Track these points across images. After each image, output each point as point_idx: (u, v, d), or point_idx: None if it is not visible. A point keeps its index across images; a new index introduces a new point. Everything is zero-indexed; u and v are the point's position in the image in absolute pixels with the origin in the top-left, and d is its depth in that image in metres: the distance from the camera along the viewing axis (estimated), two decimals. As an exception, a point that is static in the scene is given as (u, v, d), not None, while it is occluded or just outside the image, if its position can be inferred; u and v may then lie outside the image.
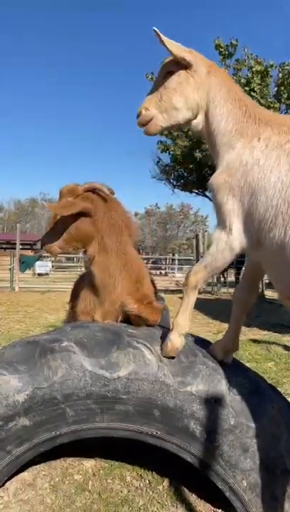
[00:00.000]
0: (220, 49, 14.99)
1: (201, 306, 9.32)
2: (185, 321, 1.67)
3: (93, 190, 2.04)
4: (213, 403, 1.58)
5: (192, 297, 1.66)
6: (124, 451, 2.17)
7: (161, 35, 1.58)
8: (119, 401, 1.58)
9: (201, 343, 1.85)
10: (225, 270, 17.39)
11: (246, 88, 14.29)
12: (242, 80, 14.69)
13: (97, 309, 1.98)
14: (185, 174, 17.97)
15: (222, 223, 1.57)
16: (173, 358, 1.66)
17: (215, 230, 1.62)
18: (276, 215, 1.39)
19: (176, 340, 1.65)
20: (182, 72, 1.63)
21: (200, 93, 1.64)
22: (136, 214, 51.72)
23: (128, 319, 1.95)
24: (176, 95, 1.63)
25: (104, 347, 1.64)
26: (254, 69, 14.64)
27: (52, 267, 24.03)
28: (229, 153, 1.58)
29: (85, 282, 2.10)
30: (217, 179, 1.59)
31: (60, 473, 2.09)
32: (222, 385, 1.61)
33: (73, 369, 1.58)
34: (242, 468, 1.54)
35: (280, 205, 1.38)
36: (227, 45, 14.99)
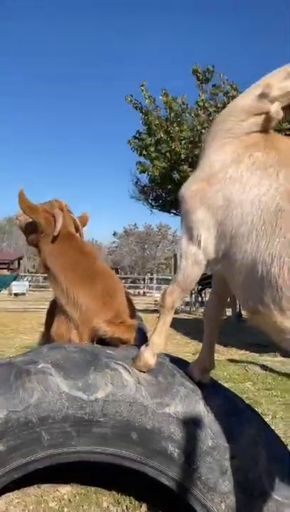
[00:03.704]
0: (198, 74, 15.43)
1: (179, 326, 9.30)
2: (161, 341, 1.67)
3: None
4: (191, 424, 1.57)
5: (168, 317, 1.67)
6: (100, 475, 2.12)
7: None
8: (96, 424, 1.55)
9: (179, 363, 1.85)
10: (203, 289, 17.49)
11: (223, 112, 14.58)
12: (219, 105, 15.10)
13: (72, 330, 1.97)
14: (164, 195, 18.19)
15: (189, 234, 1.58)
16: (143, 372, 1.65)
17: (182, 241, 1.61)
18: (250, 231, 1.41)
19: (149, 358, 1.65)
20: None
21: None
22: (114, 233, 51.82)
23: (104, 339, 1.94)
24: None
25: (81, 368, 1.61)
26: (229, 94, 15.08)
27: (30, 286, 23.72)
28: (212, 159, 1.58)
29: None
30: (190, 187, 1.59)
31: (34, 500, 2.03)
32: (200, 406, 1.61)
33: (49, 391, 1.55)
34: (220, 490, 1.52)
35: (255, 221, 1.41)
36: (204, 71, 15.44)
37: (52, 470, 1.74)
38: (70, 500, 2.05)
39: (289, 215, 1.36)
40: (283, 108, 1.59)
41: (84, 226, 2.40)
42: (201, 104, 15.21)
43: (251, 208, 1.44)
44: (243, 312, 11.77)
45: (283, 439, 2.61)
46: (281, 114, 1.57)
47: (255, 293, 1.41)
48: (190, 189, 1.60)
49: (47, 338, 2.14)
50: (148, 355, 1.65)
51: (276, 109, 1.55)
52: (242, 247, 1.43)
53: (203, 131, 14.74)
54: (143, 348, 1.68)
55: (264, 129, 1.60)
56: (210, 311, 1.78)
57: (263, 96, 1.54)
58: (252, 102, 1.57)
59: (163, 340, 1.67)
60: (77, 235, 2.30)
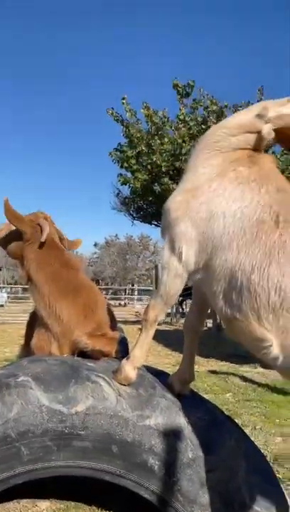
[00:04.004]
0: (178, 88, 15.69)
1: (160, 337, 9.30)
2: (142, 354, 1.67)
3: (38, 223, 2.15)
4: (172, 436, 1.57)
5: (151, 331, 1.67)
6: (80, 490, 2.10)
7: None
8: (77, 437, 1.54)
9: (160, 375, 1.86)
10: (183, 301, 17.55)
11: (203, 126, 14.92)
12: (199, 118, 15.36)
13: (52, 342, 1.96)
14: (145, 206, 18.30)
15: (171, 246, 1.59)
16: (124, 385, 1.65)
17: (163, 253, 1.63)
18: (231, 241, 1.46)
19: (130, 371, 1.65)
20: None
21: None
22: (95, 244, 51.68)
23: (85, 352, 1.93)
24: None
25: (61, 381, 1.60)
26: (209, 108, 15.38)
27: (8, 298, 23.39)
28: (200, 174, 1.61)
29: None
30: (175, 199, 1.63)
31: (12, 517, 1.99)
32: (180, 418, 1.61)
33: (29, 405, 1.53)
34: (200, 502, 1.53)
35: (237, 232, 1.46)
36: (184, 85, 15.72)
37: (32, 485, 1.71)
38: (49, 516, 2.02)
39: (269, 226, 1.41)
40: (279, 135, 1.64)
41: (74, 249, 2.43)
42: (181, 117, 15.44)
43: (233, 219, 1.48)
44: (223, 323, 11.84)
45: (263, 450, 2.63)
46: (272, 134, 1.62)
47: (234, 301, 1.44)
48: (175, 201, 1.63)
49: (27, 350, 2.12)
50: (129, 369, 1.65)
51: (268, 130, 1.60)
52: (223, 257, 1.47)
53: (184, 144, 14.94)
54: (124, 361, 1.68)
55: (254, 149, 1.65)
56: (190, 323, 1.80)
57: (259, 116, 1.60)
58: (248, 118, 1.64)
59: (144, 353, 1.68)
60: (62, 246, 2.30)
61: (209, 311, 1.91)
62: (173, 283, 1.60)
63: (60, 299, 1.96)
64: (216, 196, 1.55)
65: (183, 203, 1.59)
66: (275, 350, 1.35)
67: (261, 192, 1.51)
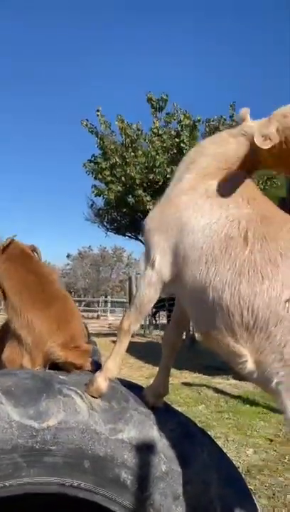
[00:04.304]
0: (152, 102, 15.92)
1: (133, 349, 9.26)
2: (115, 366, 1.66)
3: None
4: (145, 450, 1.56)
5: (124, 342, 1.67)
6: (51, 507, 2.05)
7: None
8: (48, 453, 1.51)
9: (133, 388, 1.84)
10: (157, 312, 17.57)
11: (177, 140, 15.17)
12: (173, 132, 15.60)
13: (24, 355, 1.92)
14: (119, 218, 18.36)
15: (146, 256, 1.63)
16: (94, 397, 1.63)
17: (140, 264, 1.67)
18: (201, 257, 1.47)
19: (102, 383, 1.63)
20: None
21: None
22: (68, 255, 51.28)
23: (57, 364, 1.90)
24: None
25: (33, 395, 1.57)
26: (183, 122, 15.65)
27: (-21, 310, 22.83)
28: (176, 186, 1.67)
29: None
30: (152, 212, 1.68)
31: (-21, 537, 1.92)
32: (153, 431, 1.60)
33: (-1, 420, 1.49)
34: (173, 517, 1.51)
35: (205, 247, 1.47)
36: (158, 99, 15.95)
37: (1, 503, 1.66)
38: (18, 535, 1.96)
39: (238, 243, 1.41)
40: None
41: None
42: (155, 131, 15.65)
43: (202, 234, 1.49)
44: (197, 335, 11.90)
45: (235, 462, 2.64)
46: (268, 142, 1.61)
47: (207, 317, 1.45)
48: (151, 213, 1.68)
49: (-1, 363, 2.07)
50: (101, 380, 1.63)
51: (259, 139, 1.62)
52: (194, 272, 1.48)
53: (157, 157, 15.12)
54: (97, 372, 1.67)
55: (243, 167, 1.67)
56: (169, 337, 1.80)
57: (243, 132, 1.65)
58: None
59: (117, 365, 1.67)
60: (34, 255, 2.28)
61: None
62: (147, 291, 1.62)
63: (31, 309, 1.93)
64: (186, 210, 1.57)
65: (157, 215, 1.64)
66: (250, 365, 1.35)
67: (230, 206, 1.52)
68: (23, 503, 1.96)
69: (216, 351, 1.49)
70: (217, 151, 1.68)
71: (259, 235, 1.41)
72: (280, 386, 1.28)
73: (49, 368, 1.90)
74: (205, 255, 1.45)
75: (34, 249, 2.32)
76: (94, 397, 1.63)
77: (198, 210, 1.55)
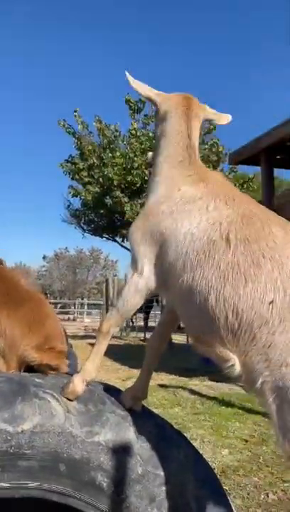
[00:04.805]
0: (130, 104, 15.92)
1: (110, 351, 9.22)
2: (93, 368, 1.65)
3: None
4: (121, 452, 1.55)
5: (103, 344, 1.67)
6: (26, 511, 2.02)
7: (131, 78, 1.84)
8: (22, 457, 1.49)
9: (110, 390, 1.83)
10: (134, 314, 17.55)
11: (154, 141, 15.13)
12: (150, 134, 15.64)
13: (-2, 359, 1.89)
14: (96, 219, 18.27)
15: (134, 264, 1.64)
16: (70, 400, 1.61)
17: (128, 271, 1.68)
18: (185, 262, 1.47)
19: (79, 385, 1.61)
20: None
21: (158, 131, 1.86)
22: (44, 257, 50.73)
23: (32, 367, 1.88)
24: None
25: (7, 399, 1.55)
26: (161, 125, 15.66)
27: None
28: (151, 197, 1.70)
29: None
30: (135, 223, 1.69)
31: None
32: (130, 433, 1.60)
33: (-28, 424, 1.46)
34: (149, 519, 1.51)
35: (189, 253, 1.47)
36: (136, 101, 15.97)
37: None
38: None
39: (221, 246, 1.42)
40: None
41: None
42: (133, 132, 15.66)
43: (184, 240, 1.50)
44: (173, 337, 11.95)
45: (211, 463, 2.66)
46: None
47: (196, 322, 1.46)
48: (134, 224, 1.70)
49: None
50: (78, 382, 1.62)
51: None
52: (179, 278, 1.48)
53: (135, 158, 15.12)
54: (75, 374, 1.66)
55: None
56: (154, 342, 1.80)
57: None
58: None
59: (95, 367, 1.66)
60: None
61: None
62: (132, 298, 1.62)
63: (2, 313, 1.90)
64: (165, 218, 1.59)
65: (140, 225, 1.66)
66: (237, 368, 1.36)
67: (209, 209, 1.53)
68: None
69: (208, 356, 1.49)
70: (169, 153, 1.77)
71: (241, 237, 1.41)
72: (264, 385, 1.30)
73: (24, 371, 1.87)
74: (189, 261, 1.45)
75: (0, 262, 2.30)
76: (70, 399, 1.61)
77: (177, 217, 1.55)
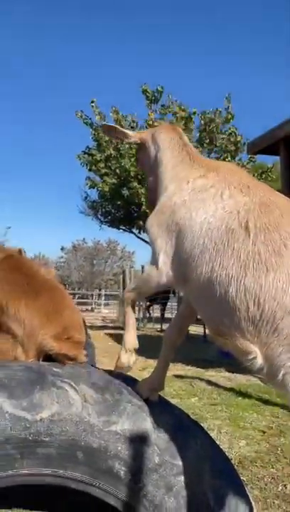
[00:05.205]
0: (147, 94, 15.79)
1: (127, 342, 9.28)
2: (130, 337, 1.73)
3: None
4: (138, 442, 1.56)
5: (129, 313, 1.76)
6: (44, 498, 2.06)
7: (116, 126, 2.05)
8: (41, 444, 1.51)
9: (127, 380, 1.84)
10: (150, 306, 17.59)
11: (172, 132, 15.00)
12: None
13: (17, 347, 1.91)
14: (113, 211, 18.27)
15: (152, 258, 1.66)
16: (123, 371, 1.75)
17: (148, 263, 1.72)
18: (203, 252, 1.45)
19: (123, 356, 1.71)
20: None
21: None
22: (62, 248, 51.12)
23: (50, 356, 1.90)
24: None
25: (26, 387, 1.57)
26: (178, 115, 15.55)
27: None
28: (163, 196, 1.72)
29: None
30: (150, 218, 1.72)
31: (-28, 528, 1.93)
32: (147, 423, 1.61)
33: (-8, 412, 1.49)
34: (166, 507, 1.52)
35: (206, 243, 1.45)
36: (153, 91, 15.83)
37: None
38: (11, 526, 1.97)
39: (240, 234, 1.38)
40: None
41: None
42: (150, 123, 15.55)
43: (200, 230, 1.48)
44: (189, 328, 11.96)
45: (228, 454, 2.66)
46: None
47: (215, 315, 1.43)
48: (149, 220, 1.73)
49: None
50: (122, 354, 1.71)
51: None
52: (198, 269, 1.45)
53: (152, 149, 15.02)
54: (121, 349, 1.76)
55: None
56: (171, 334, 1.80)
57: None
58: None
59: (132, 335, 1.74)
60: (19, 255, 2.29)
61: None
62: (147, 285, 1.69)
63: (17, 301, 1.93)
64: (179, 210, 1.58)
65: (155, 220, 1.68)
66: (259, 361, 1.33)
67: (224, 197, 1.50)
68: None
69: (228, 349, 1.46)
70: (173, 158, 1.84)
71: (261, 225, 1.37)
72: (287, 377, 1.27)
73: (43, 360, 1.89)
74: (207, 251, 1.43)
75: (20, 252, 2.32)
76: (121, 371, 1.75)
77: (190, 208, 1.54)
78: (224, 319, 1.38)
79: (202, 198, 1.53)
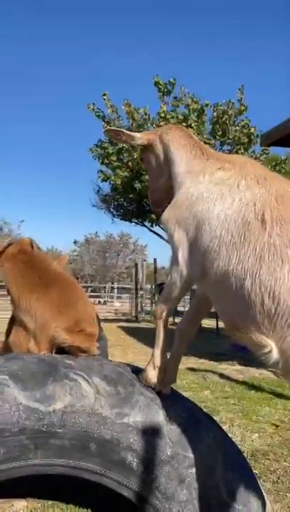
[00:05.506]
0: (159, 86, 15.67)
1: (140, 334, 9.30)
2: (159, 353, 1.71)
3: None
4: (150, 434, 1.57)
5: (160, 327, 1.73)
6: (57, 488, 2.08)
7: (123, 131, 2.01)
8: (54, 435, 1.53)
9: (139, 372, 1.85)
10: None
11: (184, 124, 14.98)
12: (180, 117, 15.40)
13: (30, 339, 1.93)
14: (125, 204, 18.25)
15: (172, 254, 1.65)
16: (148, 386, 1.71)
17: (170, 261, 1.71)
18: (220, 246, 1.43)
19: (149, 371, 1.71)
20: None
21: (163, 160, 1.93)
22: (75, 242, 51.36)
23: (63, 349, 1.91)
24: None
25: (39, 379, 1.58)
26: (190, 107, 15.42)
27: (-14, 295, 23.04)
28: (179, 191, 1.71)
29: None
30: (165, 213, 1.70)
31: (-12, 517, 1.96)
32: (159, 416, 1.61)
33: (6, 403, 1.51)
34: (178, 499, 1.53)
35: (223, 235, 1.43)
36: (165, 83, 15.70)
37: (8, 484, 1.69)
38: (25, 515, 2.00)
39: (256, 227, 1.37)
40: None
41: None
42: (163, 115, 15.45)
43: (217, 222, 1.47)
44: (202, 322, 11.95)
45: (240, 447, 2.66)
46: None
47: (231, 308, 1.42)
48: (166, 214, 1.71)
49: (6, 347, 2.10)
50: (149, 369, 1.70)
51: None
52: (214, 263, 1.44)
53: (165, 142, 14.93)
54: (148, 363, 1.74)
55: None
56: (184, 327, 1.79)
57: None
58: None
59: (160, 351, 1.72)
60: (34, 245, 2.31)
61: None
62: (174, 286, 1.66)
63: (29, 295, 1.95)
64: (196, 203, 1.57)
65: (171, 214, 1.67)
66: (275, 355, 1.31)
67: (241, 189, 1.48)
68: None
69: (244, 343, 1.45)
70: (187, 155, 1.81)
71: (277, 217, 1.35)
72: None
73: (56, 353, 1.91)
74: (224, 244, 1.41)
75: (31, 243, 2.34)
76: (147, 386, 1.70)
77: (207, 200, 1.53)
78: (239, 313, 1.37)
79: (219, 190, 1.52)
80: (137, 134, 2.03)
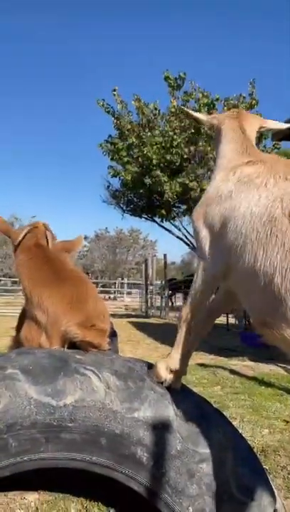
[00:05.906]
0: (169, 81, 15.58)
1: (150, 330, 9.34)
2: (177, 355, 1.71)
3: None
4: (160, 429, 1.58)
5: (183, 329, 1.72)
6: (68, 482, 2.10)
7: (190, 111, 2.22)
8: (65, 429, 1.54)
9: (149, 368, 1.86)
10: (173, 294, 17.60)
11: (194, 119, 14.82)
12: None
13: (41, 334, 1.95)
14: (135, 199, 18.20)
15: (199, 250, 1.68)
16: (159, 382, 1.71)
17: (196, 259, 1.74)
18: (245, 243, 1.42)
19: (161, 370, 1.71)
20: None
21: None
22: (85, 237, 51.44)
23: (74, 344, 1.93)
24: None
25: (50, 374, 1.60)
26: (201, 101, 15.29)
27: (-3, 290, 23.28)
28: (209, 186, 1.76)
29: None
30: (195, 210, 1.75)
31: (0, 508, 1.99)
32: (169, 411, 1.62)
33: (17, 397, 1.52)
34: (188, 494, 1.54)
35: (249, 233, 1.42)
36: (175, 78, 15.60)
37: (20, 477, 1.71)
38: (37, 508, 2.02)
39: (283, 223, 1.34)
40: None
41: (75, 248, 2.56)
42: (173, 110, 15.35)
43: (243, 219, 1.46)
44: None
45: (250, 442, 2.66)
46: None
47: (260, 305, 1.40)
48: (195, 212, 1.75)
49: (17, 342, 2.12)
50: (160, 367, 1.71)
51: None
52: (242, 260, 1.43)
53: (175, 136, 14.88)
54: (160, 360, 1.75)
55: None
56: (202, 322, 1.79)
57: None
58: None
59: (179, 354, 1.71)
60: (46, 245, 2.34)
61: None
62: (201, 284, 1.67)
63: (41, 289, 1.97)
64: (224, 201, 1.59)
65: (200, 212, 1.70)
66: None
67: (268, 186, 1.47)
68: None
69: (273, 342, 1.41)
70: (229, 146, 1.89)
71: None
72: None
73: (67, 348, 1.92)
74: (250, 241, 1.40)
75: (48, 242, 2.35)
76: (158, 382, 1.70)
77: (236, 198, 1.54)
78: (269, 310, 1.34)
79: (247, 188, 1.52)
80: (204, 118, 2.18)
